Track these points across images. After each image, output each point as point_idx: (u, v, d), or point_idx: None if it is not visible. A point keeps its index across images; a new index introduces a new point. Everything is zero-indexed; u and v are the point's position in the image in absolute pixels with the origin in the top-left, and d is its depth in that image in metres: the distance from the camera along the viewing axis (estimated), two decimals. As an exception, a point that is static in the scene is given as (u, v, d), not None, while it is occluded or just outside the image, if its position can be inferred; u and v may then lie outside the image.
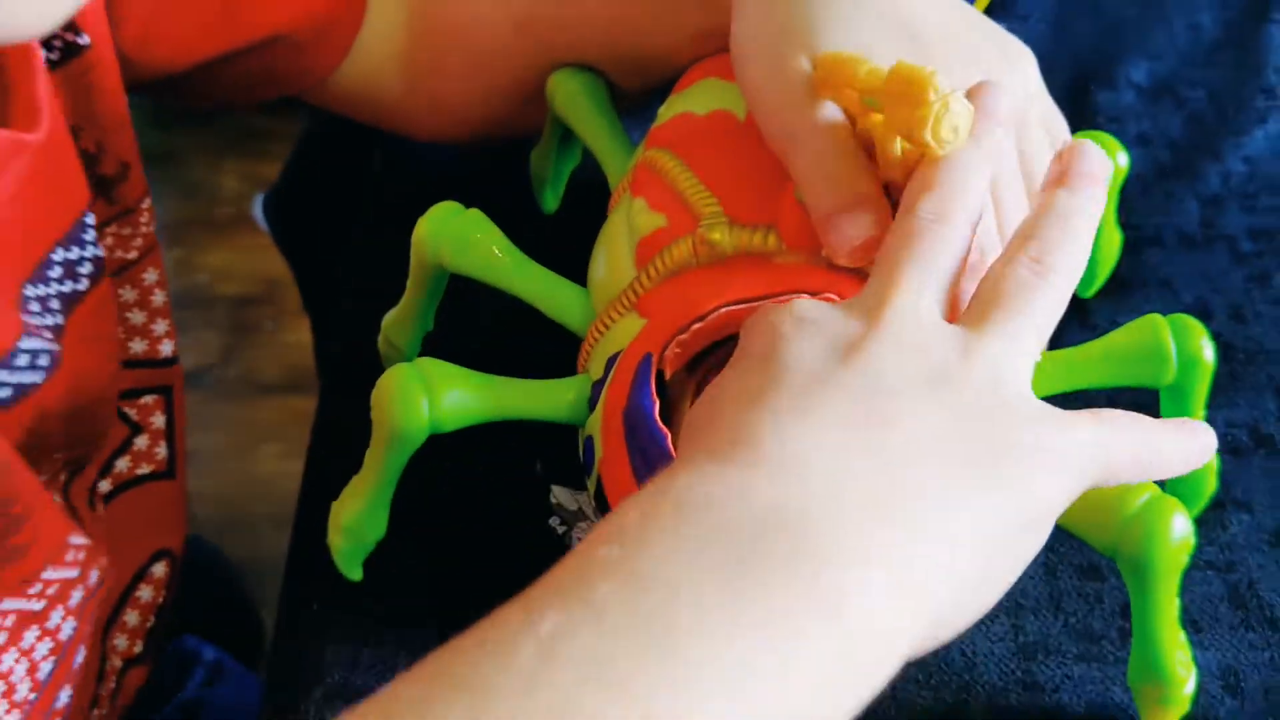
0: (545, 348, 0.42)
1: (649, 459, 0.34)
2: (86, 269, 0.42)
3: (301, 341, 1.52)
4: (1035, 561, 0.41)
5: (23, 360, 0.37)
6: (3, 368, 0.36)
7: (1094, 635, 0.41)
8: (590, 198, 0.49)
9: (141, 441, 0.49)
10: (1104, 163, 0.35)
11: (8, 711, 0.39)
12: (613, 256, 0.39)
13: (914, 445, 0.28)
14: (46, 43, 0.41)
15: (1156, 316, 0.39)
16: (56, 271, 0.40)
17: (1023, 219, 0.34)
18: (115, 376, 0.45)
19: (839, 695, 0.26)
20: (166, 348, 0.49)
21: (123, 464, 0.48)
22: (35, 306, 0.38)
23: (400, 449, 0.36)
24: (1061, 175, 0.34)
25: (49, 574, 0.39)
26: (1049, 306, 0.32)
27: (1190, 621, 0.41)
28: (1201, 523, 0.44)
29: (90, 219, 0.42)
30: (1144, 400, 0.40)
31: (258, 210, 0.69)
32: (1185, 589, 0.42)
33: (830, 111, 0.35)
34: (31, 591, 0.39)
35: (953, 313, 0.32)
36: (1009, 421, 0.29)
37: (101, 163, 0.45)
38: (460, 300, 0.45)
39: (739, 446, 0.28)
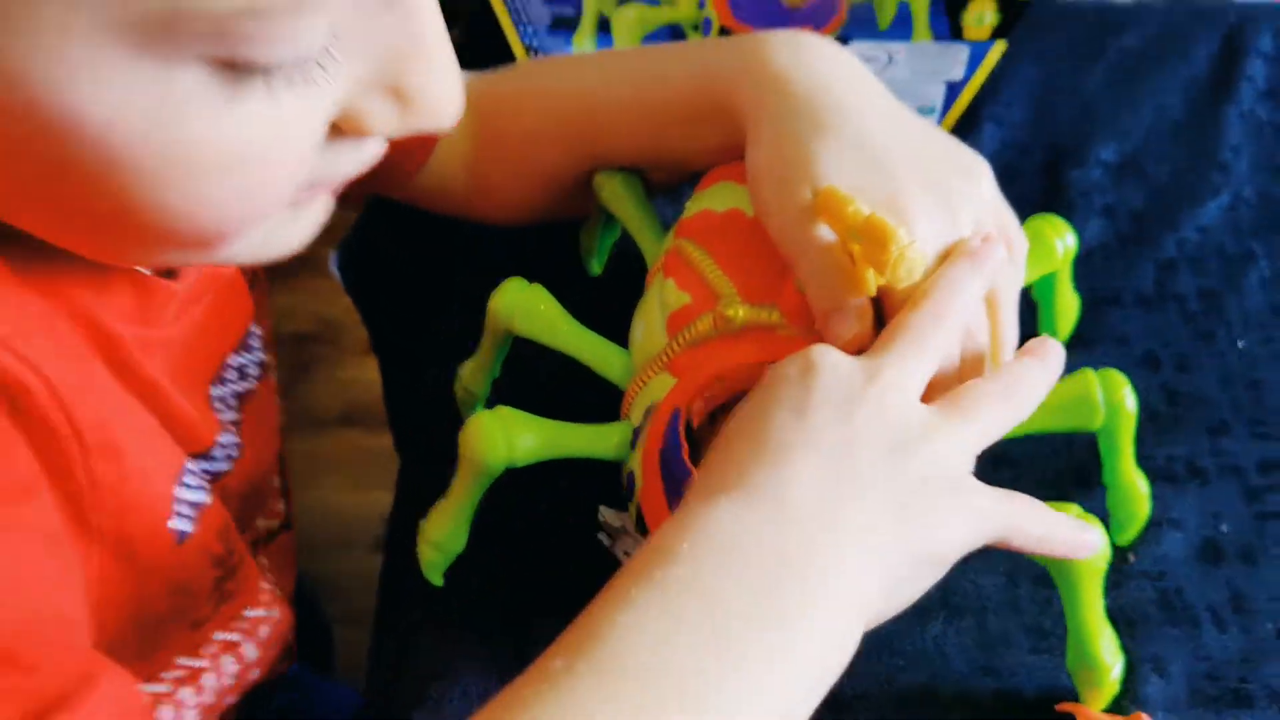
0: (591, 398, 0.51)
1: (679, 490, 0.43)
2: (254, 370, 0.51)
3: (358, 378, 1.61)
4: (997, 571, 0.51)
5: (219, 453, 0.47)
6: (205, 460, 0.46)
7: (1045, 632, 0.49)
8: (628, 264, 0.58)
9: (269, 510, 0.57)
10: (1058, 355, 0.45)
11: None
12: (649, 325, 0.49)
13: (869, 499, 0.39)
14: None
15: (1088, 371, 0.48)
16: (232, 375, 0.50)
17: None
18: (278, 456, 0.55)
19: (809, 678, 0.37)
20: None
21: (261, 524, 0.56)
22: (219, 405, 0.48)
23: (483, 479, 0.46)
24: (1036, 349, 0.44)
25: (249, 613, 0.49)
26: (1001, 420, 0.42)
27: (1126, 620, 0.50)
28: (1140, 541, 0.53)
29: (256, 330, 0.52)
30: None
31: (333, 264, 0.78)
32: (1124, 594, 0.51)
33: (825, 232, 0.44)
34: (235, 627, 0.48)
35: (928, 394, 0.42)
36: (939, 489, 0.40)
37: (254, 285, 0.54)
38: (523, 355, 0.54)
39: (750, 491, 0.38)
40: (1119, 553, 0.52)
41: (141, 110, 0.32)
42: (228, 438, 0.47)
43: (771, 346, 0.45)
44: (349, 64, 0.35)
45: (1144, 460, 0.54)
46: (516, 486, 0.49)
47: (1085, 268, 0.63)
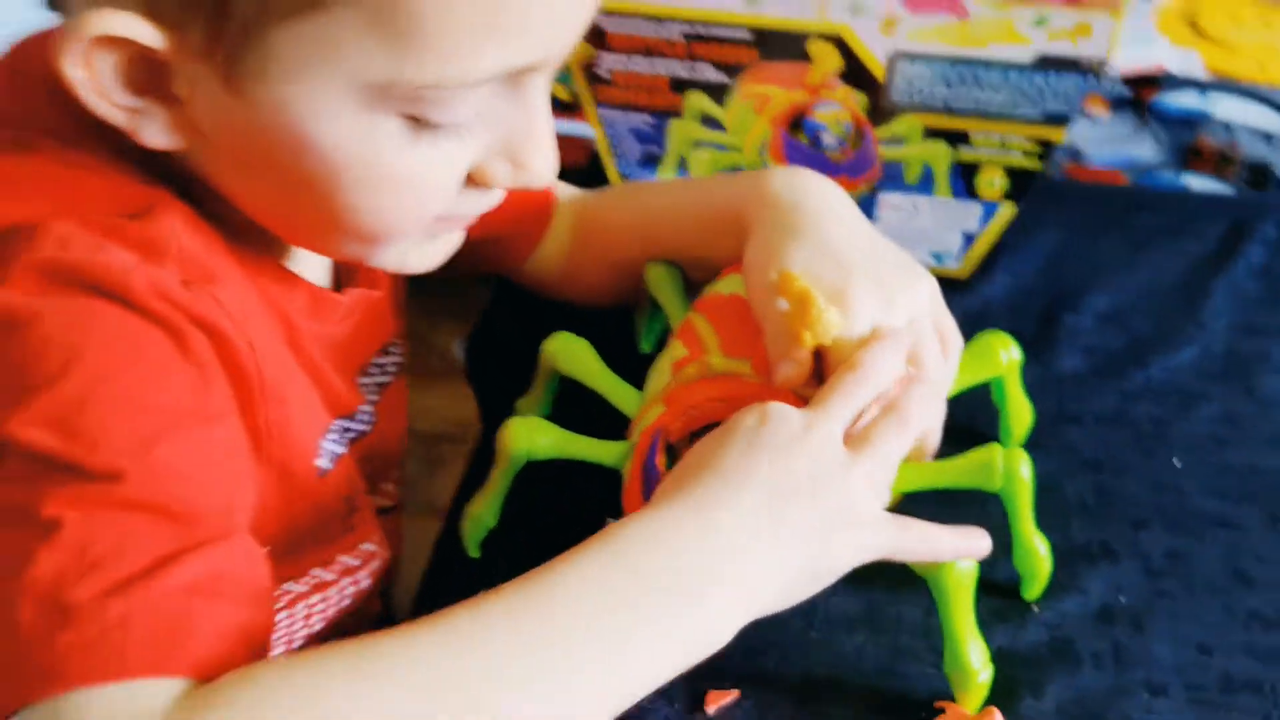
0: (612, 424, 0.66)
1: (653, 490, 0.57)
2: (392, 369, 0.68)
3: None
4: (917, 604, 0.62)
5: (360, 419, 0.64)
6: (349, 420, 0.63)
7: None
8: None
9: (387, 486, 0.73)
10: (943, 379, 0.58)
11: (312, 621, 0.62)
12: (659, 372, 0.64)
13: (783, 529, 0.51)
14: None
15: (995, 444, 0.61)
16: (375, 370, 0.67)
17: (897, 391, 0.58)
18: (403, 438, 0.71)
19: (694, 647, 0.49)
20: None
21: (381, 494, 0.72)
22: (363, 388, 0.65)
23: (511, 467, 0.61)
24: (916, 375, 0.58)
25: (365, 546, 0.63)
26: (899, 444, 0.55)
27: (1020, 656, 0.61)
28: (1046, 598, 0.64)
29: (397, 344, 0.69)
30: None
31: (458, 350, 0.95)
32: (1023, 635, 0.62)
33: (782, 304, 0.59)
34: (356, 554, 0.63)
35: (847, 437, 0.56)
36: (843, 522, 0.52)
37: (398, 310, 0.71)
38: (567, 393, 0.70)
39: (691, 504, 0.51)
40: (1026, 605, 0.64)
41: (356, 142, 0.48)
42: (366, 410, 0.64)
43: (740, 388, 0.59)
44: (485, 134, 0.51)
45: (1068, 541, 0.66)
46: (543, 485, 0.64)
47: (1056, 392, 0.76)
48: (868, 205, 0.82)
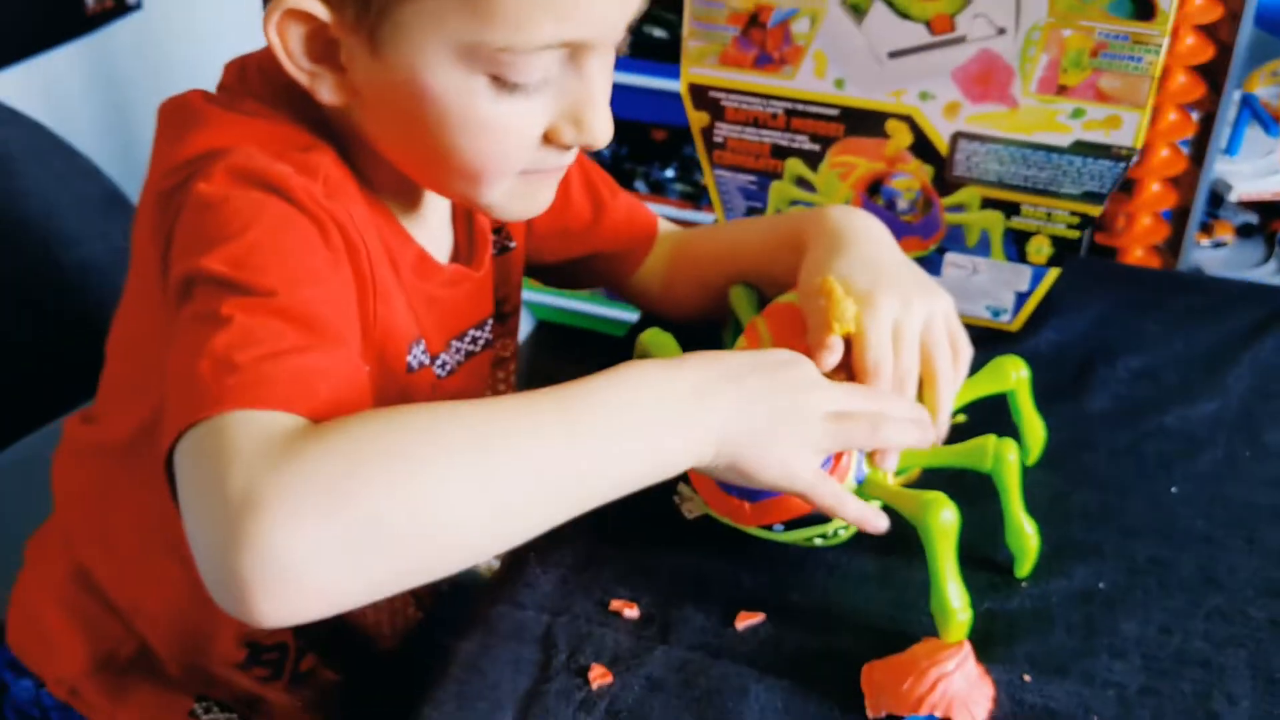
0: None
1: None
2: (480, 344, 0.86)
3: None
4: (921, 569, 0.75)
5: (445, 359, 0.81)
6: (439, 356, 0.80)
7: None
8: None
9: None
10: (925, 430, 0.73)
11: None
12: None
13: (743, 405, 0.65)
14: (497, 242, 0.88)
15: (991, 435, 0.74)
16: (466, 339, 0.84)
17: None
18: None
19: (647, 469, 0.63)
20: None
21: None
22: (452, 350, 0.82)
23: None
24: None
25: None
26: (860, 440, 0.69)
27: (1005, 618, 0.73)
28: (1034, 578, 0.76)
29: (489, 323, 0.86)
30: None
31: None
32: (1009, 602, 0.74)
33: (822, 304, 0.74)
34: None
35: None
36: (790, 430, 0.66)
37: (505, 304, 0.90)
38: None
39: (678, 369, 0.64)
40: (1016, 581, 0.76)
41: (457, 94, 0.65)
42: (447, 358, 0.80)
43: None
44: (555, 98, 0.67)
45: (1065, 538, 0.78)
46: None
47: (1081, 426, 0.88)
48: (935, 264, 0.97)
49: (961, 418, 0.81)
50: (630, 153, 2.14)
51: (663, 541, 0.78)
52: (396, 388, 0.74)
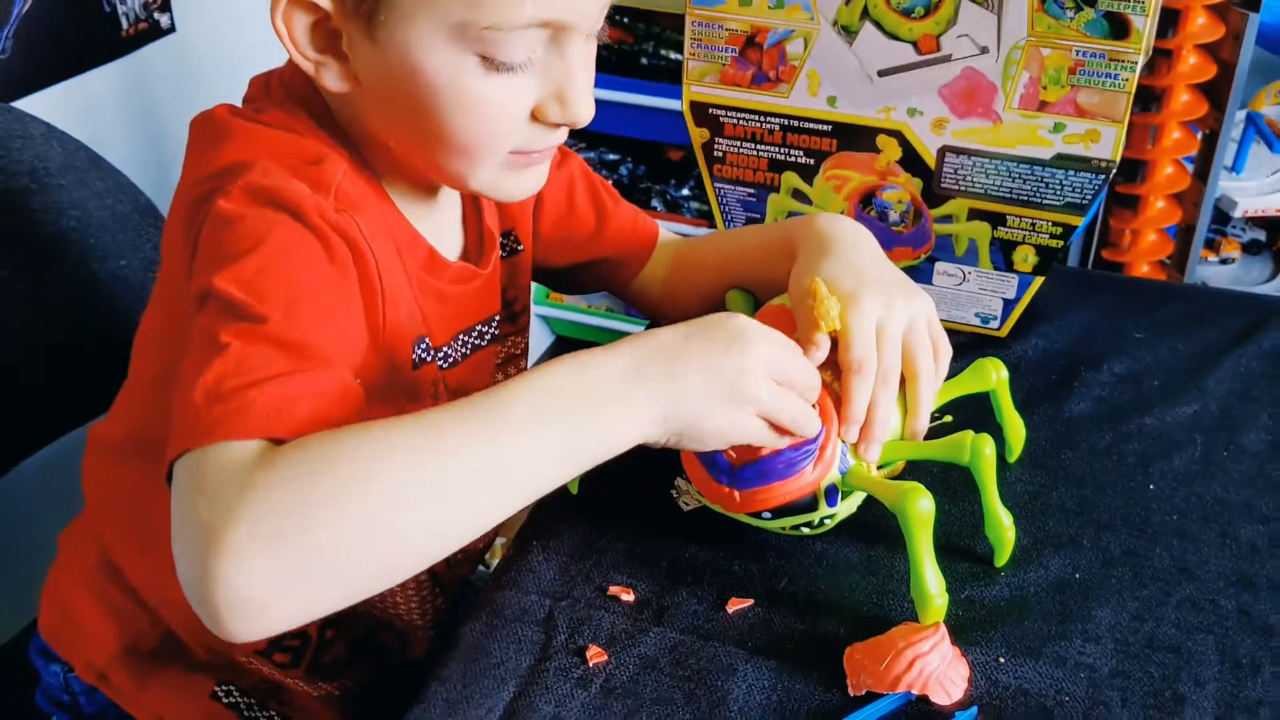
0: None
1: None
2: (486, 339, 0.90)
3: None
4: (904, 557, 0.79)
5: (447, 351, 0.85)
6: (444, 349, 0.84)
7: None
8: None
9: None
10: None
11: None
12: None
13: (682, 362, 0.68)
14: (506, 245, 0.92)
15: (969, 431, 0.78)
16: (474, 334, 0.88)
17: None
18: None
19: (597, 444, 0.66)
20: None
21: None
22: (459, 342, 0.87)
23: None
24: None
25: None
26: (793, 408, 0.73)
27: (982, 605, 0.77)
28: (1012, 567, 0.80)
29: (496, 318, 0.91)
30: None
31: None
32: (988, 591, 0.78)
33: (810, 303, 0.78)
34: None
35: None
36: (722, 406, 0.69)
37: (514, 304, 0.94)
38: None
39: (621, 352, 0.68)
40: (995, 571, 0.80)
41: (448, 71, 0.69)
42: (450, 350, 0.85)
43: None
44: (540, 78, 0.72)
45: (1043, 532, 0.82)
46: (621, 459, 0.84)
47: (1062, 427, 0.92)
48: (925, 273, 1.01)
49: (948, 418, 0.85)
50: (647, 172, 2.19)
51: (659, 532, 0.83)
52: (403, 384, 0.78)
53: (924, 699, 0.70)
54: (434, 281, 0.81)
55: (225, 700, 0.89)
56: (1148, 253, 1.82)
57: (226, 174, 0.71)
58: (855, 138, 0.97)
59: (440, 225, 0.84)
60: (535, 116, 0.74)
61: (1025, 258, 0.98)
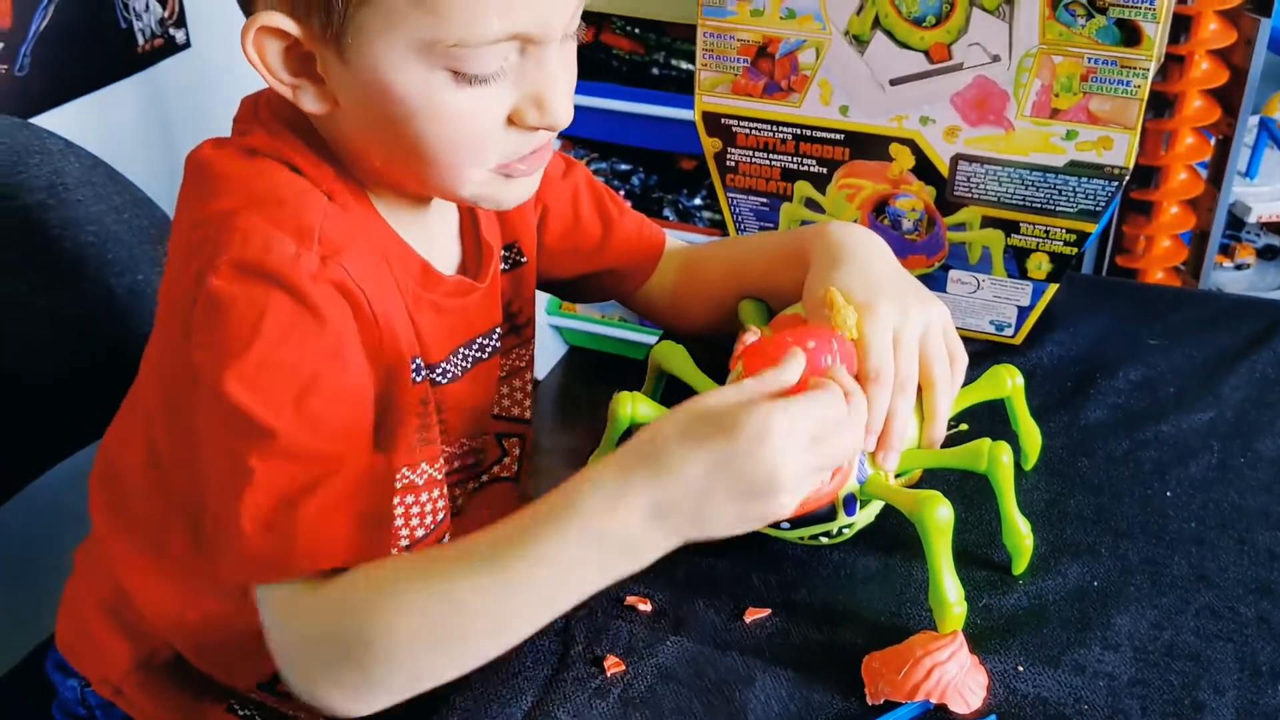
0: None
1: None
2: (487, 353, 0.89)
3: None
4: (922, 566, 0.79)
5: (445, 368, 0.84)
6: (442, 365, 0.83)
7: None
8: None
9: (506, 460, 0.96)
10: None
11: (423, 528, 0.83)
12: (735, 371, 0.84)
13: (706, 483, 0.65)
14: (509, 257, 0.92)
15: (986, 439, 0.78)
16: (474, 347, 0.87)
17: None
18: (487, 409, 0.91)
19: (620, 566, 0.66)
20: (527, 414, 0.97)
21: (496, 470, 0.94)
22: (459, 356, 0.86)
23: (618, 428, 0.81)
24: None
25: (434, 471, 0.82)
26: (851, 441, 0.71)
27: (1001, 612, 0.77)
28: (1031, 575, 0.80)
29: (497, 331, 0.90)
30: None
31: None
32: (1007, 599, 0.78)
33: (825, 313, 0.78)
34: (437, 468, 0.81)
35: None
36: (771, 484, 0.65)
37: (517, 316, 0.94)
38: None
39: (645, 466, 0.65)
40: (1014, 580, 0.80)
41: (419, 87, 0.68)
42: (449, 366, 0.84)
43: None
44: (515, 85, 0.70)
45: (1061, 540, 0.82)
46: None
47: (1079, 434, 0.92)
48: (939, 280, 1.01)
49: (963, 426, 0.85)
50: (659, 182, 2.20)
51: (676, 543, 0.83)
52: (404, 400, 0.78)
53: (942, 708, 0.70)
54: (429, 295, 0.81)
55: (241, 713, 0.89)
56: (1162, 259, 1.81)
57: (213, 223, 0.72)
58: (868, 146, 0.97)
59: (434, 238, 0.83)
60: (513, 121, 0.73)
61: (1039, 265, 0.98)
